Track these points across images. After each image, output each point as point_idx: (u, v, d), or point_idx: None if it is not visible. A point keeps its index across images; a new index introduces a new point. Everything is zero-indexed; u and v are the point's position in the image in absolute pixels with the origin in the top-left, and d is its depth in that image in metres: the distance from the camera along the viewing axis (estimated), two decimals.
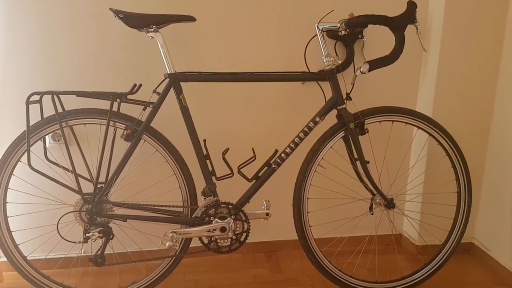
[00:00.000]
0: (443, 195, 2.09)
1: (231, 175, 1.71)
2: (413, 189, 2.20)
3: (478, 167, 2.16)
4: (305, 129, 1.72)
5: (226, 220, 1.70)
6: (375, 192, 1.81)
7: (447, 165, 1.86)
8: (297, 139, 1.72)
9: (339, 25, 1.68)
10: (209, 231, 1.69)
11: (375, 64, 1.61)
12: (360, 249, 2.22)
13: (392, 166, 2.20)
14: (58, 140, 1.90)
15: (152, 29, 1.62)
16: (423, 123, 1.80)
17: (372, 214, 1.84)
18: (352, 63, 1.94)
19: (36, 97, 1.62)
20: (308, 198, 1.76)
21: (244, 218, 1.72)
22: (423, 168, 2.14)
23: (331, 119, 1.75)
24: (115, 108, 1.66)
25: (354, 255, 2.19)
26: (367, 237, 2.27)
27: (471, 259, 2.22)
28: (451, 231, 1.91)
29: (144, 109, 1.69)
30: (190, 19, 1.64)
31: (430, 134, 1.82)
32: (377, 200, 1.81)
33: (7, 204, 1.69)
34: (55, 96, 1.64)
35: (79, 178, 1.68)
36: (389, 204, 1.80)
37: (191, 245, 1.78)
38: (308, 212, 1.77)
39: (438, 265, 1.90)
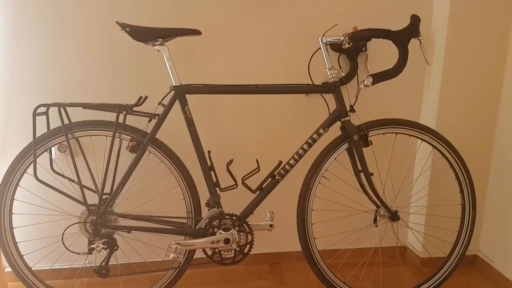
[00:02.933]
0: (447, 208, 2.09)
1: (235, 186, 1.72)
2: (417, 201, 2.20)
3: (482, 179, 2.16)
4: (309, 140, 1.73)
5: (230, 232, 1.70)
6: (379, 204, 1.81)
7: (451, 177, 1.86)
8: (301, 150, 1.73)
9: (343, 38, 1.69)
10: (213, 242, 1.69)
11: (379, 77, 1.62)
12: (364, 261, 2.21)
13: (396, 178, 2.20)
14: (64, 152, 1.92)
15: (158, 42, 1.64)
16: (427, 136, 1.80)
17: (377, 226, 1.83)
18: (356, 76, 1.95)
19: (43, 109, 1.64)
20: (312, 210, 1.76)
21: (248, 230, 1.73)
22: (427, 181, 2.14)
23: (335, 131, 1.76)
24: (121, 120, 1.68)
25: (358, 267, 2.18)
26: (372, 249, 2.27)
27: (475, 272, 2.21)
28: (455, 243, 1.90)
29: (149, 121, 1.70)
30: (196, 32, 1.66)
31: (434, 147, 1.83)
32: (381, 212, 1.81)
33: (13, 215, 1.70)
34: (61, 108, 1.66)
35: (85, 189, 1.69)
36: (394, 216, 1.80)
37: (195, 257, 1.79)
38: (312, 224, 1.77)
39: (443, 278, 1.89)
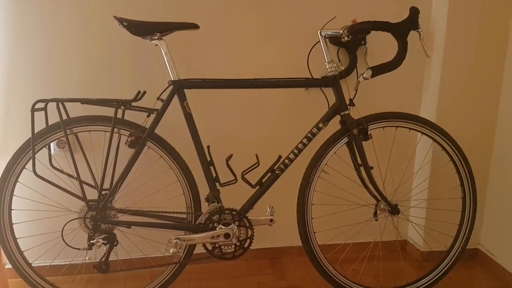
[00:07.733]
0: (448, 201, 2.09)
1: (234, 181, 1.71)
2: (417, 195, 2.20)
3: (482, 172, 2.15)
4: (309, 135, 1.72)
5: (230, 227, 1.70)
6: (379, 198, 1.81)
7: (451, 170, 1.85)
8: (300, 145, 1.73)
9: (342, 31, 1.68)
10: (213, 237, 1.69)
11: (378, 70, 1.62)
12: (364, 256, 2.21)
13: (396, 172, 2.19)
14: (63, 147, 1.91)
15: (156, 37, 1.63)
16: (427, 129, 1.80)
17: (377, 220, 1.83)
18: (355, 69, 1.94)
19: (41, 105, 1.63)
20: (312, 204, 1.76)
21: (248, 224, 1.72)
22: (427, 174, 2.14)
23: (335, 125, 1.75)
24: (119, 115, 1.67)
25: (359, 261, 2.18)
26: (372, 243, 2.26)
27: (476, 265, 2.21)
28: (456, 237, 1.90)
29: (148, 116, 1.69)
30: (194, 26, 1.66)
31: (434, 140, 1.82)
32: (382, 206, 1.81)
33: (12, 211, 1.70)
34: (60, 103, 1.65)
35: (84, 185, 1.69)
36: (394, 210, 1.80)
37: (195, 252, 1.78)
38: (312, 218, 1.77)
39: (444, 272, 1.89)
